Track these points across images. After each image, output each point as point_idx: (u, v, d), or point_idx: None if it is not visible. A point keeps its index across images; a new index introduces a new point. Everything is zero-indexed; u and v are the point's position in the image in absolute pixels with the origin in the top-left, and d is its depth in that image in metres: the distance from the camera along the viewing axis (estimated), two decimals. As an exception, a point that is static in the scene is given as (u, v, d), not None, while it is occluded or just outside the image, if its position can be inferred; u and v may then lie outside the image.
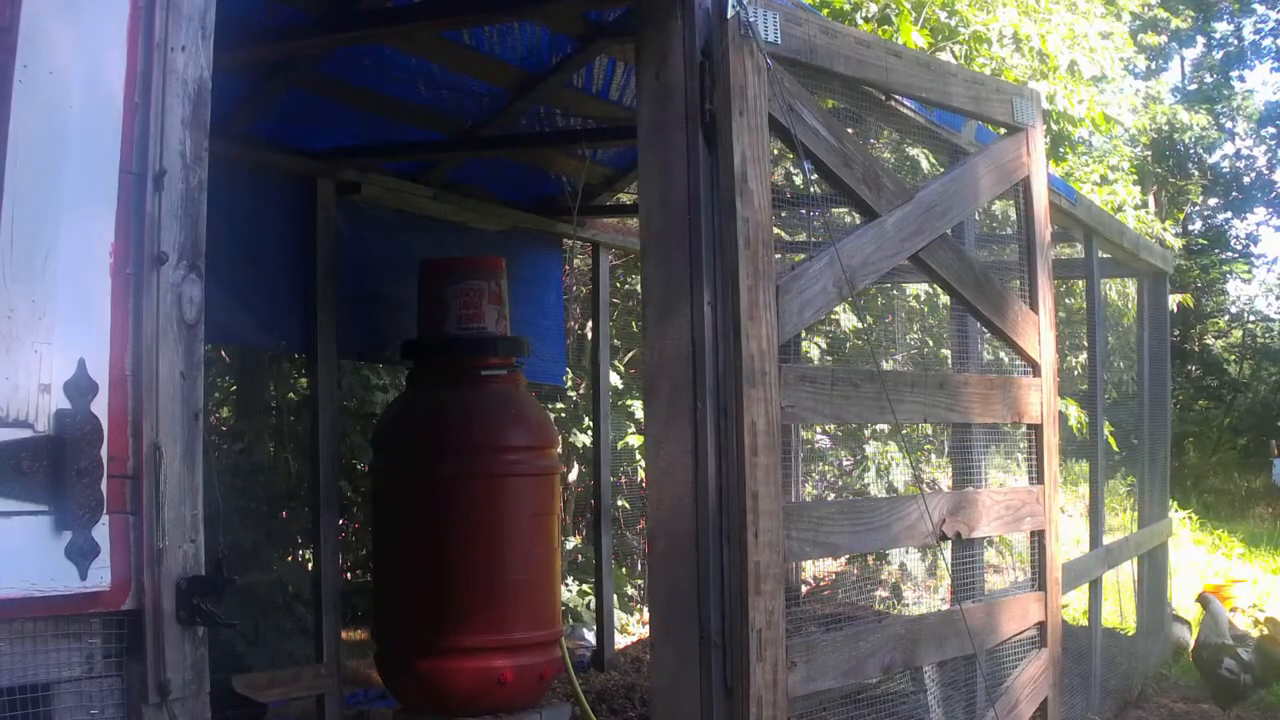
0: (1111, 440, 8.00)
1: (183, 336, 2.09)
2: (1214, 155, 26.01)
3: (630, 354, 9.67)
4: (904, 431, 7.81)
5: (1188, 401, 23.33)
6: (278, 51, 4.74)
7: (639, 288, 5.84)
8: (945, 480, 7.03)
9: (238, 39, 3.33)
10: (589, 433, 8.24)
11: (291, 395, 8.25)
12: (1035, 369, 4.46)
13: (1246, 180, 26.53)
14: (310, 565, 6.94)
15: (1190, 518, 15.88)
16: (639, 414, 8.61)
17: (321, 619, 5.47)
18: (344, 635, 5.92)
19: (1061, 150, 12.17)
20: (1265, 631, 7.21)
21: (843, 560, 8.12)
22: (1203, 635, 6.99)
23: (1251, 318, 26.64)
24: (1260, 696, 6.86)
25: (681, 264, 3.31)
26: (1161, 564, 8.19)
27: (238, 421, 8.22)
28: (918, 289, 8.36)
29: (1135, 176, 17.05)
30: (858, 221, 3.89)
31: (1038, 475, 4.47)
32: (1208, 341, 25.52)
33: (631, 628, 8.58)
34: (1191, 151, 25.03)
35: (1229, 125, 25.62)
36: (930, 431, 8.25)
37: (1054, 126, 10.45)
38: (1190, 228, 25.68)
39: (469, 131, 5.83)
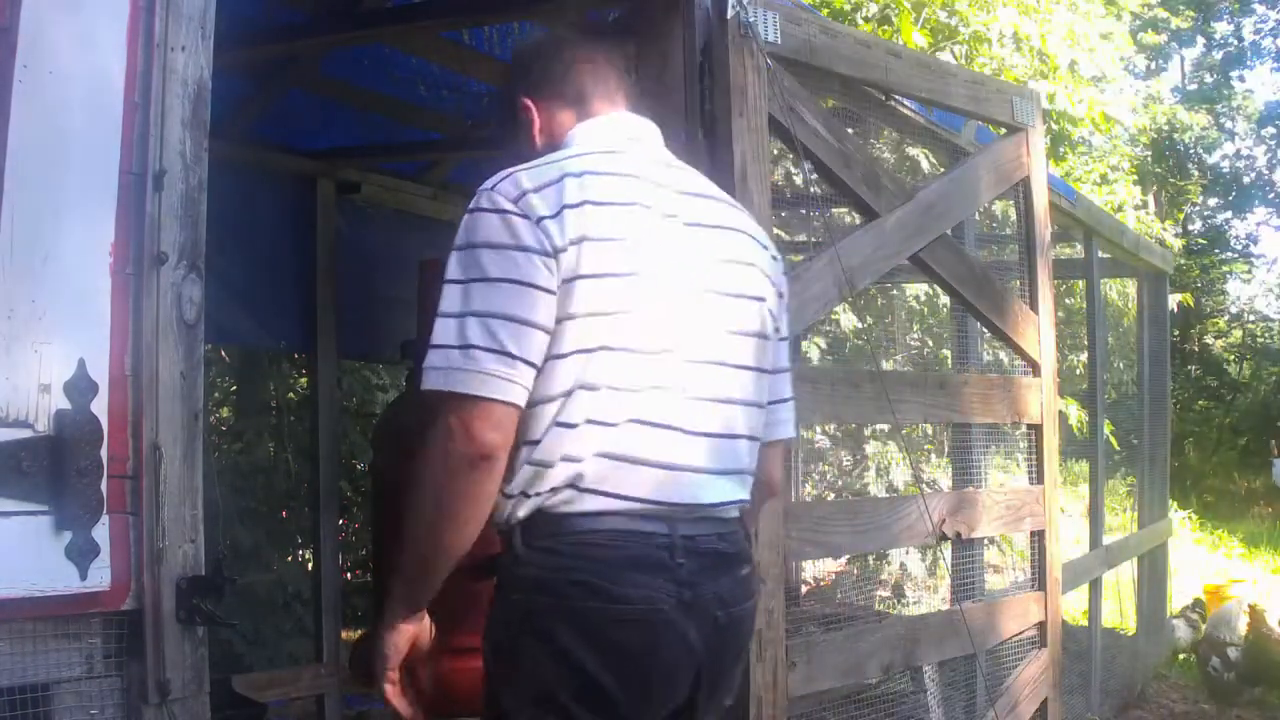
0: (1113, 439, 7.99)
1: (183, 336, 2.09)
2: (1214, 155, 26.00)
3: (630, 354, 9.62)
4: (904, 431, 7.80)
5: (1188, 401, 23.32)
6: (278, 51, 4.74)
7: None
8: (945, 480, 7.03)
9: (238, 39, 3.33)
10: (589, 433, 8.21)
11: (291, 395, 8.25)
12: (1035, 369, 4.46)
13: (1246, 180, 26.52)
14: (310, 565, 6.93)
15: (1190, 518, 15.87)
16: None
17: (321, 619, 5.46)
18: (344, 635, 5.91)
19: (1061, 150, 12.18)
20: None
21: (843, 560, 8.12)
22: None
23: (1251, 318, 26.63)
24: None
25: (681, 264, 3.31)
26: (1161, 564, 8.19)
27: (238, 421, 8.22)
28: (918, 289, 8.36)
29: (1135, 176, 17.05)
30: (858, 221, 3.89)
31: (1038, 475, 4.47)
32: (1208, 341, 25.52)
33: (631, 628, 8.55)
34: (1191, 151, 25.02)
35: (1229, 125, 25.62)
36: (930, 431, 8.25)
37: (1054, 126, 10.45)
38: (1190, 228, 25.67)
39: (469, 131, 5.83)
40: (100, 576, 1.95)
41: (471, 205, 2.04)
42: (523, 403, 1.98)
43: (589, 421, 2.01)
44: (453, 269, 2.00)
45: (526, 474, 2.03)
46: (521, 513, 2.05)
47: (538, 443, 2.01)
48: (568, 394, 2.00)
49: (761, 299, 2.23)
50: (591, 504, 2.02)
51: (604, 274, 2.02)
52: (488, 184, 2.05)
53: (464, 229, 2.02)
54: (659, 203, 2.12)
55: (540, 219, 1.99)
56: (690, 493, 2.08)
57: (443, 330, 1.98)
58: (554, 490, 2.02)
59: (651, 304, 2.06)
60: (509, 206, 2.00)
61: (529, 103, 2.26)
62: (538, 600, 2.06)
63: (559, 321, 1.99)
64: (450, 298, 1.98)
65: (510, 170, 2.07)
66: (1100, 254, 6.90)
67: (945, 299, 6.49)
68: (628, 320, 2.03)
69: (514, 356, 1.95)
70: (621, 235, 2.05)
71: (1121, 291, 9.78)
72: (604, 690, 2.01)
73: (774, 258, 2.32)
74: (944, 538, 4.00)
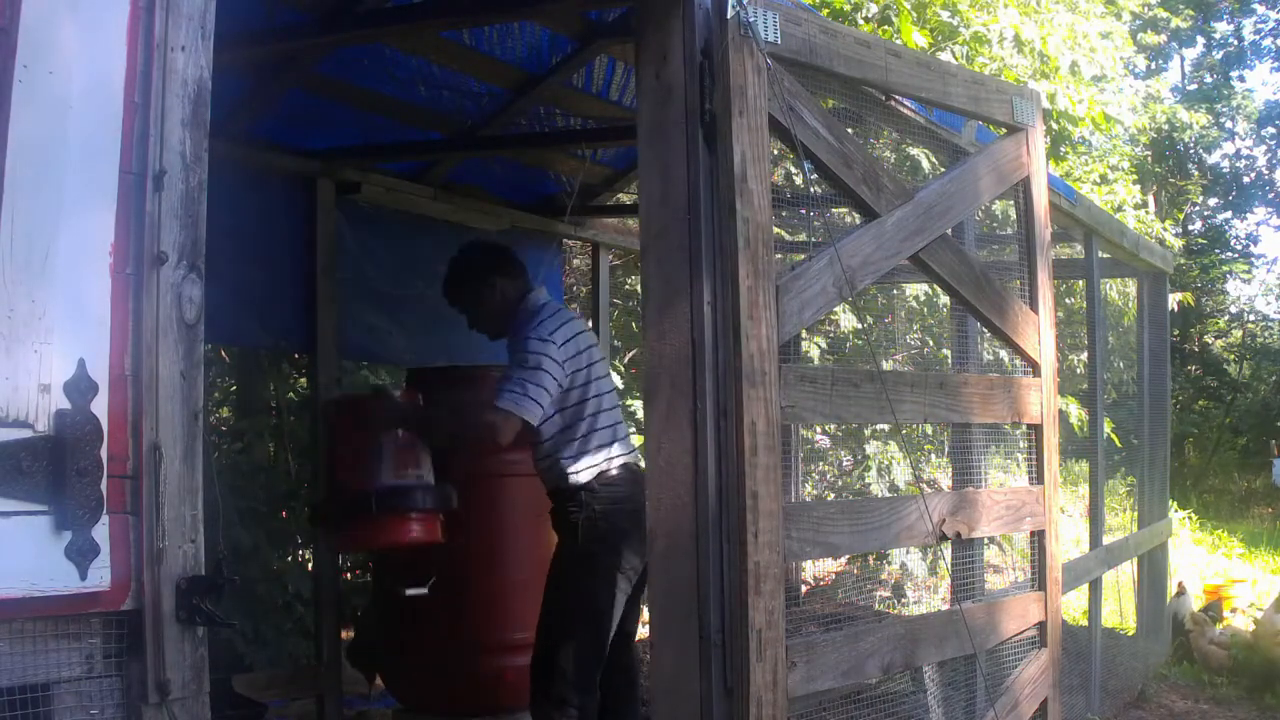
0: (1114, 436, 7.99)
1: (183, 336, 2.09)
2: (1214, 155, 26.01)
3: (630, 354, 9.66)
4: (904, 431, 7.80)
5: (1188, 401, 23.32)
6: (278, 51, 4.73)
7: (639, 288, 5.85)
8: (945, 480, 7.02)
9: (238, 39, 3.33)
10: (589, 433, 8.20)
11: (291, 395, 8.25)
12: (1035, 369, 4.46)
13: (1246, 180, 26.53)
14: (310, 565, 6.92)
15: (1190, 518, 15.87)
16: (639, 414, 8.60)
17: (321, 619, 5.46)
18: (344, 635, 5.91)
19: (1061, 150, 12.17)
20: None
21: (843, 560, 8.12)
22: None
23: (1251, 318, 26.66)
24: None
25: (681, 264, 3.31)
26: (1161, 564, 8.19)
27: (238, 421, 8.22)
28: (918, 289, 8.36)
29: (1135, 176, 17.05)
30: (858, 221, 3.89)
31: (1038, 475, 4.47)
32: (1208, 341, 25.53)
33: (632, 628, 8.55)
34: (1191, 151, 25.03)
35: (1229, 125, 25.62)
36: (930, 431, 8.25)
37: (1054, 126, 10.44)
38: (1190, 227, 25.69)
39: (469, 131, 5.82)
40: (100, 576, 1.95)
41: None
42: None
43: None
44: None
45: None
46: None
47: None
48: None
49: None
50: None
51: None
52: None
53: None
54: None
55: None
56: None
57: None
58: None
59: None
60: None
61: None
62: None
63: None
64: None
65: None
66: (1100, 254, 6.90)
67: (945, 299, 6.48)
68: None
69: None
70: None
71: (1121, 291, 9.79)
72: None
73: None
74: (944, 538, 4.00)
